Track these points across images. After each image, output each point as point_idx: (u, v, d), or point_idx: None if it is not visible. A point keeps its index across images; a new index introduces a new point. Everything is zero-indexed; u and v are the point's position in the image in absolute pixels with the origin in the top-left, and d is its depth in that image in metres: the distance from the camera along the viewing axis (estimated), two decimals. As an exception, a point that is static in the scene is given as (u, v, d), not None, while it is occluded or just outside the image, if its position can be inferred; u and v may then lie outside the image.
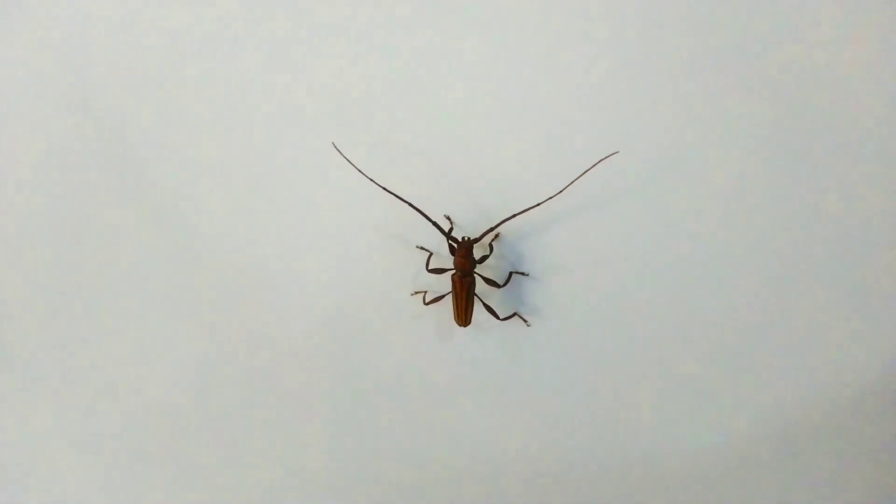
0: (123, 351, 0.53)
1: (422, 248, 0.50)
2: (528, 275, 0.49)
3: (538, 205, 0.45)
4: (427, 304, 0.50)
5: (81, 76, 0.51)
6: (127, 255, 0.52)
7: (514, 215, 0.46)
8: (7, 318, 0.53)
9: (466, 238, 0.47)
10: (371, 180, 0.46)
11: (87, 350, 0.53)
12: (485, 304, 0.49)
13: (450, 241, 0.47)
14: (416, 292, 0.50)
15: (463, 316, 0.49)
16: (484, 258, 0.48)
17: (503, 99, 0.48)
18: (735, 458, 0.49)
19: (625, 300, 0.49)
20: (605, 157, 0.45)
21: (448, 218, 0.49)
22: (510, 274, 0.49)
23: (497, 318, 0.49)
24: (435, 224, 0.47)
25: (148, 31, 0.50)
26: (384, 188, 0.46)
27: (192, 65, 0.50)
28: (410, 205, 0.46)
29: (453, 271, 0.48)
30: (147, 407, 0.53)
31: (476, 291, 0.49)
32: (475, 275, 0.48)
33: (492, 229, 0.47)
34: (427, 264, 0.49)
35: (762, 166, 0.47)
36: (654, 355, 0.49)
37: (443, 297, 0.49)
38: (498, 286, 0.48)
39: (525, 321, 0.50)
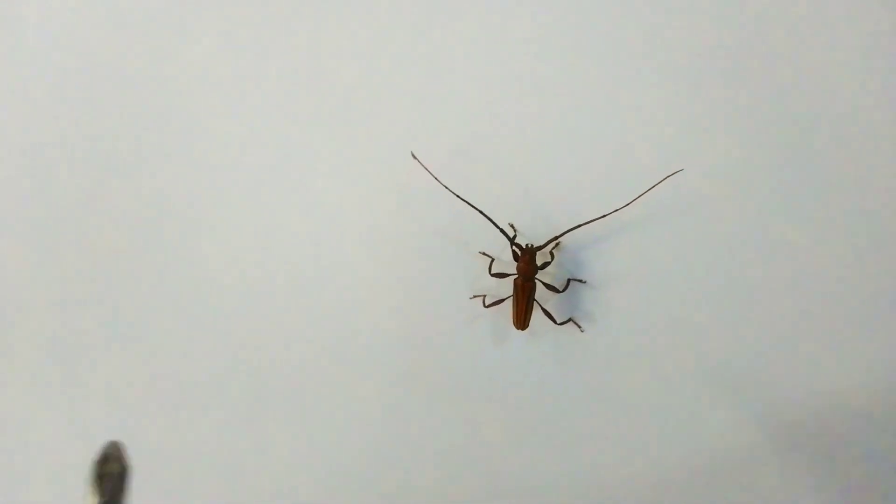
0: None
1: (483, 254, 0.52)
2: (585, 282, 0.52)
3: (602, 217, 0.48)
4: (487, 306, 0.52)
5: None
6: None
7: (578, 226, 0.48)
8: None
9: (530, 245, 0.50)
10: (447, 188, 0.49)
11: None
12: (543, 309, 0.51)
13: (514, 248, 0.50)
14: (476, 296, 0.53)
15: (522, 319, 0.51)
16: (545, 265, 0.51)
17: (570, 117, 0.50)
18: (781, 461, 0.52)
19: (676, 311, 0.51)
20: (671, 175, 0.47)
21: (512, 226, 0.51)
22: (568, 280, 0.51)
23: (554, 322, 0.51)
24: (502, 231, 0.49)
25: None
26: (459, 196, 0.49)
27: (256, 83, 0.52)
28: (482, 213, 0.49)
29: (515, 276, 0.51)
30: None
31: (535, 296, 0.51)
32: (536, 280, 0.51)
33: (556, 238, 0.49)
34: (490, 268, 0.51)
35: (823, 189, 0.49)
36: (702, 365, 0.52)
37: (503, 300, 0.52)
38: (557, 291, 0.51)
39: (579, 326, 0.52)
